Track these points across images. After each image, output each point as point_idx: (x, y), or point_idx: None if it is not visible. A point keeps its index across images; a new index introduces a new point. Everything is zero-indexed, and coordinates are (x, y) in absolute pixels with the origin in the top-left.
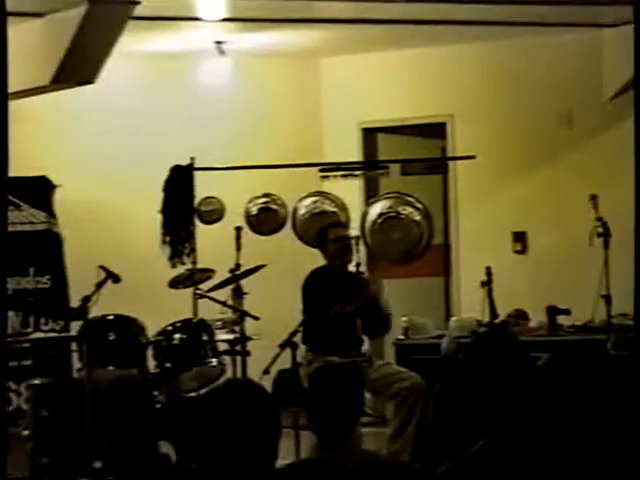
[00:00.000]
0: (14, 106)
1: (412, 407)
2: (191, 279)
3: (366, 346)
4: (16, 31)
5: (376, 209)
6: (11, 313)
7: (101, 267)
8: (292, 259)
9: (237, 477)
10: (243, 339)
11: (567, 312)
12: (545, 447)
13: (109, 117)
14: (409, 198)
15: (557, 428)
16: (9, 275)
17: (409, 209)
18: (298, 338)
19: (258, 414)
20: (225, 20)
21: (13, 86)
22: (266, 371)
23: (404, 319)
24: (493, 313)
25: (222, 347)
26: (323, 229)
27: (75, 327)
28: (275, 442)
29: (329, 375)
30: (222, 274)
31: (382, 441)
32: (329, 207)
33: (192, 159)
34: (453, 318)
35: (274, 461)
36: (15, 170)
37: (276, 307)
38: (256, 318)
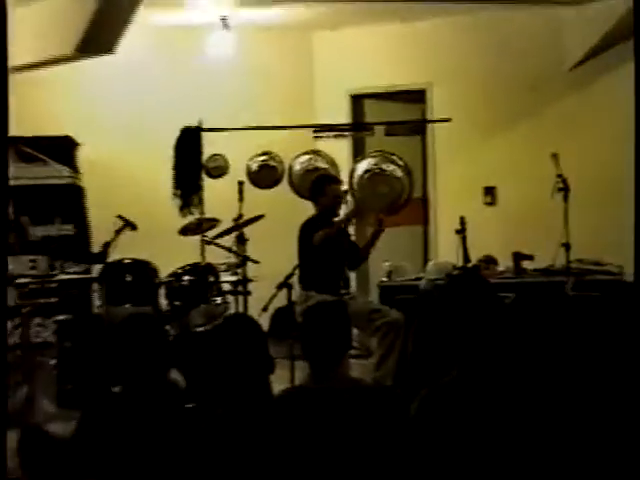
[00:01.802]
0: (42, 72)
1: (393, 340)
2: (199, 227)
3: (353, 287)
4: (42, 6)
5: (363, 166)
6: (40, 257)
7: (119, 216)
8: (288, 210)
9: (237, 398)
10: (245, 280)
11: (531, 257)
12: (511, 376)
13: (126, 83)
14: (392, 156)
15: (521, 360)
16: (39, 224)
17: (392, 166)
18: (293, 280)
19: (254, 343)
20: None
21: (40, 56)
22: (265, 308)
23: (387, 263)
24: (466, 258)
25: (226, 287)
26: (320, 183)
27: (96, 270)
28: (266, 365)
29: (320, 312)
30: (226, 223)
31: (367, 370)
32: (321, 164)
33: (200, 121)
34: (430, 262)
35: (268, 380)
36: (43, 130)
37: (274, 252)
38: (256, 262)
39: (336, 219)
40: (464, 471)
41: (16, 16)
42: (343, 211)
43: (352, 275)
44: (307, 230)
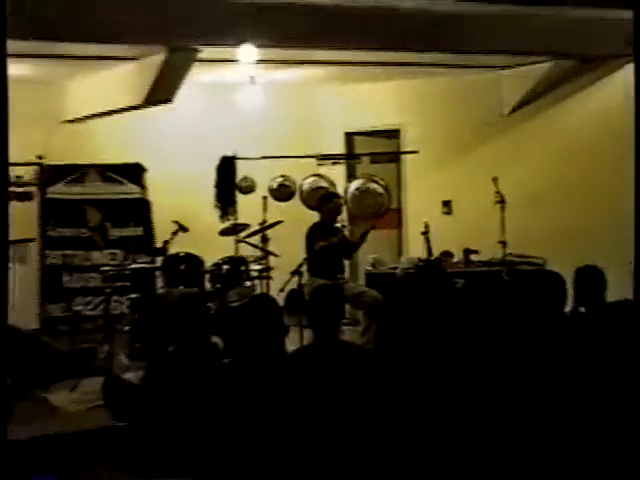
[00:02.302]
0: (120, 117)
1: (374, 314)
2: (234, 230)
3: (347, 273)
4: (122, 69)
5: (354, 185)
6: (118, 251)
7: (175, 222)
8: (298, 217)
9: (261, 355)
10: (267, 269)
11: (476, 252)
12: (461, 342)
13: (181, 123)
14: (375, 178)
15: (470, 327)
16: (117, 227)
17: (375, 185)
18: (302, 269)
19: (273, 315)
20: (258, 62)
21: (117, 105)
22: (281, 290)
23: (372, 256)
24: (429, 253)
25: (253, 274)
26: (325, 199)
27: (158, 261)
28: (282, 331)
29: (322, 292)
30: (254, 227)
31: (356, 335)
32: (323, 183)
33: (234, 152)
34: (403, 256)
35: (283, 342)
36: (120, 159)
37: (288, 248)
38: (275, 255)
39: (337, 225)
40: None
41: (101, 76)
42: (340, 218)
43: (346, 264)
44: (313, 232)
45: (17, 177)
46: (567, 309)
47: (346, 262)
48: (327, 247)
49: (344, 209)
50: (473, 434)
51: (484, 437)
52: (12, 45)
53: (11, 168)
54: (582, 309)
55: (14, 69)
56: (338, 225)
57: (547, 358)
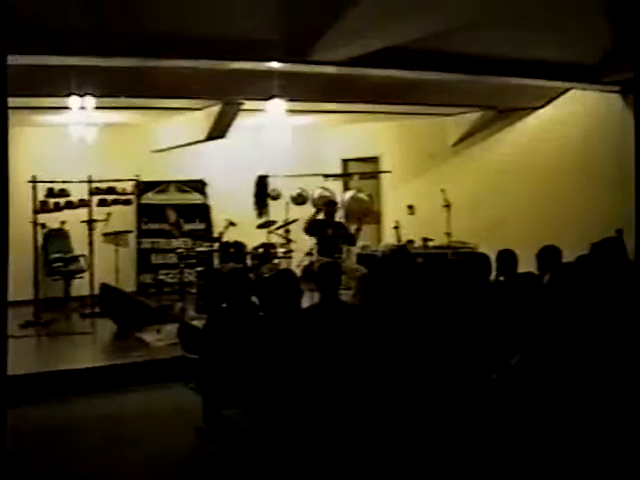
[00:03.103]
0: (189, 148)
1: (361, 281)
2: (266, 225)
3: (344, 254)
4: (191, 116)
5: (348, 194)
6: (188, 239)
7: (227, 219)
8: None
9: (285, 311)
10: (289, 251)
11: (431, 240)
12: (421, 299)
13: (230, 153)
14: (362, 190)
15: (426, 291)
16: (188, 222)
17: (362, 194)
18: (313, 251)
19: (292, 282)
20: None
21: (189, 140)
22: (298, 266)
23: (361, 243)
24: (399, 240)
25: (279, 255)
26: (329, 204)
27: (216, 245)
28: (299, 294)
29: (326, 266)
30: (280, 222)
31: (349, 296)
32: (327, 193)
33: (266, 172)
34: (382, 242)
35: (300, 301)
36: (190, 176)
37: (302, 237)
38: (293, 242)
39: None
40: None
41: (177, 120)
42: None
43: (346, 249)
44: (317, 226)
45: (123, 189)
46: (491, 278)
47: (347, 247)
48: (329, 236)
49: (341, 211)
50: (430, 363)
51: (437, 365)
52: (118, 101)
53: (118, 182)
54: (501, 278)
55: (120, 117)
56: (341, 221)
57: (477, 310)
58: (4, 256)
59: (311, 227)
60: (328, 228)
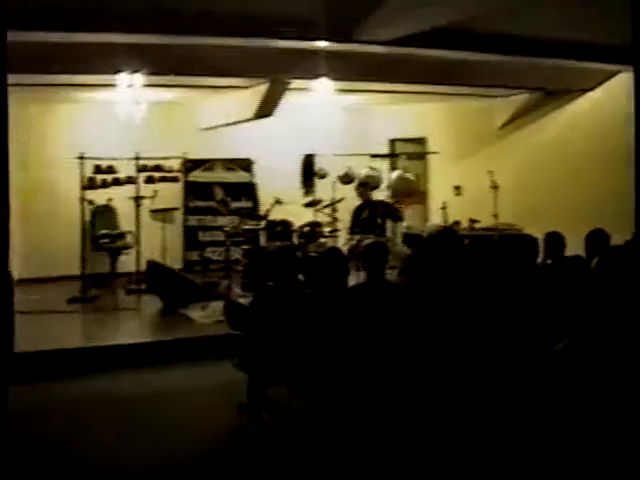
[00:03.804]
0: (239, 126)
1: (406, 260)
2: (313, 204)
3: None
4: (238, 94)
5: (395, 174)
6: (235, 217)
7: (275, 197)
8: (356, 195)
9: (331, 290)
10: (335, 230)
11: (478, 221)
12: (466, 280)
13: (279, 129)
14: (409, 170)
15: (473, 272)
16: (235, 200)
17: (409, 174)
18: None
19: (340, 261)
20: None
21: (237, 118)
22: (344, 244)
23: (406, 223)
24: (445, 221)
25: (325, 233)
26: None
27: (262, 224)
28: (345, 272)
29: (373, 246)
30: (326, 201)
31: (394, 276)
32: (374, 173)
33: (313, 150)
34: (428, 223)
35: (346, 279)
36: (237, 155)
37: (348, 216)
38: (339, 220)
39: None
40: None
41: (225, 99)
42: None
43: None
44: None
45: (170, 167)
46: (539, 261)
47: (393, 226)
48: (370, 216)
49: (389, 190)
50: (474, 345)
51: (481, 347)
52: (166, 79)
53: (165, 160)
54: (549, 261)
55: (167, 95)
56: (388, 201)
57: (524, 293)
58: (4, 246)
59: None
60: (363, 210)
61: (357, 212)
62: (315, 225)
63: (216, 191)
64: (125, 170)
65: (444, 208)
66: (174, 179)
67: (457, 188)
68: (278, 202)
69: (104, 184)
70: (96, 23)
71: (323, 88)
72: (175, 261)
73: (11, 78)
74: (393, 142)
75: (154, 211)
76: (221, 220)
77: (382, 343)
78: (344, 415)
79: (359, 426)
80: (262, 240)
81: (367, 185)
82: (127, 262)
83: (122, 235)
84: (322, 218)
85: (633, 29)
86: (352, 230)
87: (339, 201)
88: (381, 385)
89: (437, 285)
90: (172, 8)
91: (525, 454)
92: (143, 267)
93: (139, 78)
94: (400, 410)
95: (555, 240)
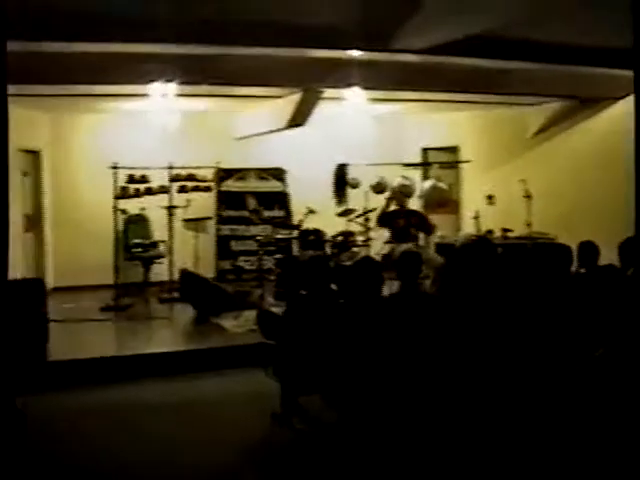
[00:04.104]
0: (271, 136)
1: (439, 270)
2: (346, 213)
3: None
4: (271, 104)
5: (427, 183)
6: (267, 226)
7: (307, 207)
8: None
9: (365, 299)
10: (367, 239)
11: (511, 230)
12: (500, 289)
13: (310, 141)
14: (442, 179)
15: (506, 281)
16: (267, 209)
17: (441, 183)
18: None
19: (374, 270)
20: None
21: (269, 128)
22: (377, 254)
23: (439, 233)
24: (478, 231)
25: (358, 243)
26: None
27: (295, 233)
28: (380, 281)
29: (407, 255)
30: (359, 211)
31: (427, 286)
32: (406, 182)
33: (346, 161)
34: (460, 232)
35: (381, 288)
36: (269, 164)
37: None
38: (372, 230)
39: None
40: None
41: (258, 108)
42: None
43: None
44: (387, 217)
45: (203, 176)
46: (572, 270)
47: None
48: (405, 225)
49: (421, 200)
50: (509, 354)
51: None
52: (199, 89)
53: (198, 169)
54: (582, 270)
55: (200, 104)
56: (421, 212)
57: (558, 302)
58: (4, 245)
59: (382, 219)
60: (399, 219)
61: (389, 216)
62: (348, 234)
63: (249, 200)
64: (158, 179)
65: (477, 217)
66: (207, 188)
67: (490, 197)
68: (311, 212)
69: (137, 193)
70: (130, 33)
71: (356, 97)
72: (207, 270)
73: (45, 89)
74: (425, 151)
75: (187, 220)
76: (253, 229)
77: (416, 353)
78: (377, 427)
79: (392, 438)
80: (295, 249)
81: (402, 192)
82: (160, 271)
83: (155, 244)
84: (355, 227)
85: (634, 32)
86: (393, 240)
87: (372, 210)
88: (415, 396)
89: (471, 295)
90: (205, 18)
91: (567, 464)
92: (176, 276)
93: (172, 88)
94: (436, 422)
95: (589, 249)
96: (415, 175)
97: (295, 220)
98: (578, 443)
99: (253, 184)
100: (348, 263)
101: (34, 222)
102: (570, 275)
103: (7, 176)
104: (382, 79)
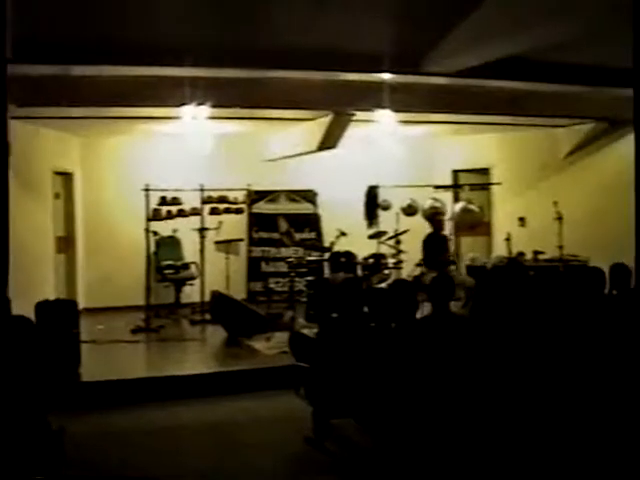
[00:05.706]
0: (302, 158)
1: (470, 292)
2: (376, 235)
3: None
4: (303, 126)
5: (458, 205)
6: (299, 248)
7: (338, 229)
8: (420, 227)
9: (398, 322)
10: (399, 262)
11: (542, 253)
12: (532, 312)
13: (341, 163)
14: (473, 201)
15: (539, 304)
16: (298, 231)
17: (472, 206)
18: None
19: (408, 294)
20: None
21: (301, 150)
22: (409, 276)
23: (470, 255)
24: (509, 253)
25: (389, 265)
26: (434, 215)
27: (326, 255)
28: (414, 304)
29: (440, 278)
30: (390, 233)
31: (458, 307)
32: (437, 204)
33: (376, 184)
34: (492, 254)
35: (415, 312)
36: (301, 186)
37: (413, 248)
38: (404, 252)
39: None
40: None
41: (289, 131)
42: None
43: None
44: (428, 239)
45: (234, 198)
46: (605, 292)
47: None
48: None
49: (451, 222)
50: (540, 369)
51: (549, 378)
52: (231, 111)
53: (230, 191)
54: (614, 292)
55: (232, 127)
56: (444, 234)
57: (590, 324)
58: (4, 253)
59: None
60: (435, 242)
61: (428, 243)
62: (379, 257)
63: (280, 223)
64: (190, 201)
65: (508, 239)
66: (239, 210)
67: (521, 219)
68: (342, 234)
69: (169, 215)
70: (163, 57)
71: (386, 120)
72: (239, 292)
73: (77, 111)
74: (456, 173)
75: (218, 242)
76: (285, 251)
77: (449, 376)
78: (413, 452)
79: (428, 462)
80: (326, 271)
81: (439, 214)
82: (191, 293)
83: (186, 266)
84: (386, 250)
85: (633, 51)
86: (426, 262)
87: (403, 232)
88: (449, 420)
89: (502, 317)
90: (237, 42)
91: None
92: (207, 297)
93: (204, 110)
94: (470, 447)
95: (621, 271)
96: (446, 197)
97: (326, 242)
98: (604, 463)
99: (284, 206)
100: (380, 285)
101: (66, 244)
102: (602, 297)
103: (7, 181)
104: (413, 101)
